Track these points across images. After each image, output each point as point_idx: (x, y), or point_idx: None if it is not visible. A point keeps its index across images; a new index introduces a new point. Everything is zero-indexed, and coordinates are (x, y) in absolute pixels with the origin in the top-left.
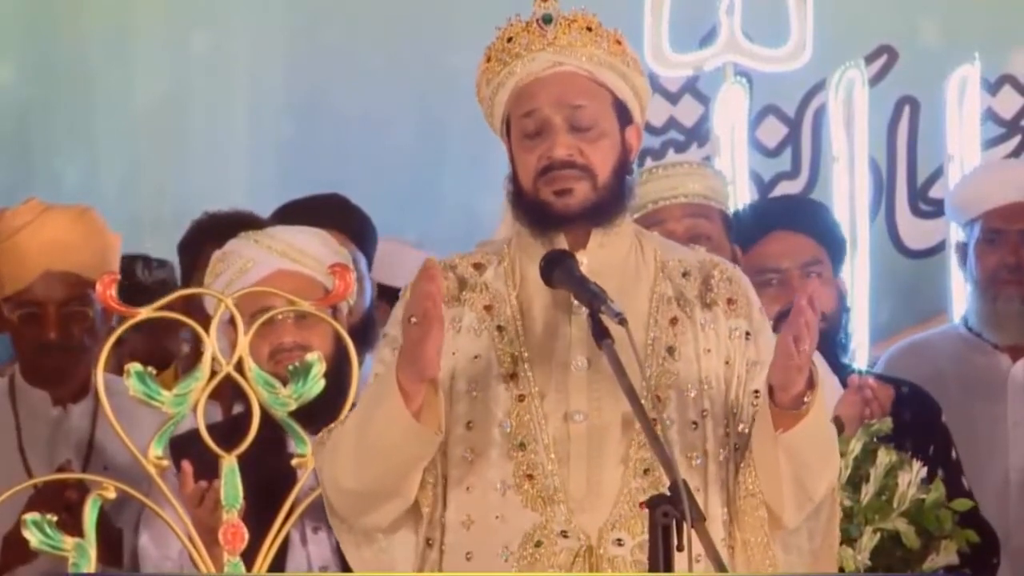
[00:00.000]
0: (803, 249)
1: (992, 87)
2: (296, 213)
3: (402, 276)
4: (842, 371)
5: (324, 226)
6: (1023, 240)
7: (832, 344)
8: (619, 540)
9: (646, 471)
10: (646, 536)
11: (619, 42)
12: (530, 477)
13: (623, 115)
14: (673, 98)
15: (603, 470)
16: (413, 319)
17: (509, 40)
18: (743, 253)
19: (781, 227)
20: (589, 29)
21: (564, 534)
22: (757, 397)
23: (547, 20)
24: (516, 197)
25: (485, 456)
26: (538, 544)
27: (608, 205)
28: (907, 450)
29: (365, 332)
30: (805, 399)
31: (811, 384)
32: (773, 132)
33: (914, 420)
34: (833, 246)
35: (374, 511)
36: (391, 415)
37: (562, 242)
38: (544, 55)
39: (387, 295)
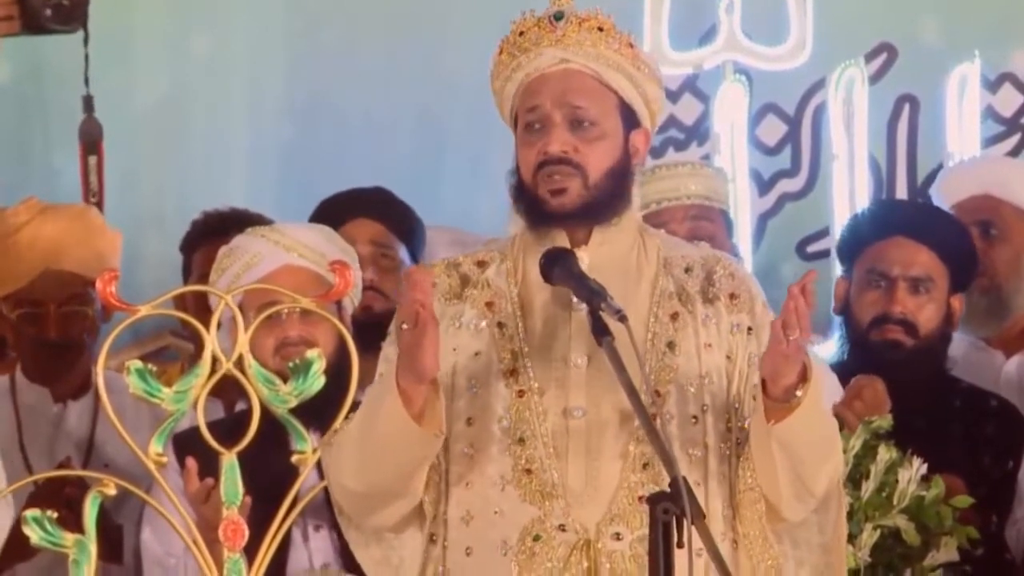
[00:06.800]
0: (918, 262)
1: (992, 85)
2: (338, 206)
3: None
4: (948, 385)
5: (366, 217)
6: (981, 232)
7: (931, 361)
8: (617, 534)
9: (645, 465)
10: (645, 530)
11: (631, 46)
12: (528, 472)
13: (629, 118)
14: (673, 96)
15: (601, 465)
16: (404, 325)
17: (521, 34)
18: (864, 249)
19: (906, 233)
20: (600, 29)
21: (562, 528)
22: None
23: (558, 17)
24: (517, 190)
25: (485, 452)
26: (536, 538)
27: (601, 205)
28: (984, 464)
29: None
30: (797, 392)
31: (804, 378)
32: (773, 130)
33: (998, 434)
34: (957, 266)
35: (381, 510)
36: (391, 418)
37: (563, 239)
38: (551, 51)
39: None
